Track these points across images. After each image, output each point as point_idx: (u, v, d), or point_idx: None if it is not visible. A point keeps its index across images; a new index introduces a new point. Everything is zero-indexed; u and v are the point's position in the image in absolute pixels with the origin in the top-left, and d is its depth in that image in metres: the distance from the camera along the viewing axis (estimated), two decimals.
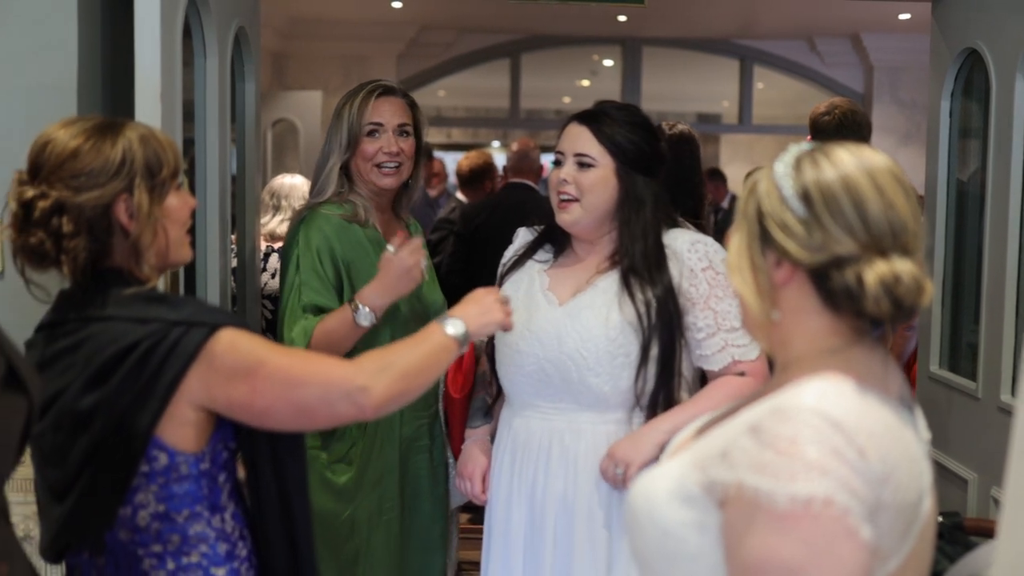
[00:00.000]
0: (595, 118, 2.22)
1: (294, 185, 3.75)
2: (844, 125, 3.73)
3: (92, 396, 1.56)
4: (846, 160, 1.23)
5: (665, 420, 2.10)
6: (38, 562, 2.10)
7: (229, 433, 1.68)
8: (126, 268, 1.64)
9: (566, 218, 2.21)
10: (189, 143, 2.58)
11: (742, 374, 2.14)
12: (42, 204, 1.58)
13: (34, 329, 1.68)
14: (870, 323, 1.24)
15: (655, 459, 1.99)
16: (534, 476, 2.17)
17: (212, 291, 2.51)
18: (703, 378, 2.26)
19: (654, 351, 2.13)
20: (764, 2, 7.94)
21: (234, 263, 2.95)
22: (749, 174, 1.38)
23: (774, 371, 1.33)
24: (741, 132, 10.05)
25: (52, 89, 2.12)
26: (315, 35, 8.68)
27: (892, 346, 3.82)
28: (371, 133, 2.51)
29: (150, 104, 2.14)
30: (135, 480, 1.59)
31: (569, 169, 2.21)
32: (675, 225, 2.26)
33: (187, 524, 1.64)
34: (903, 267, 1.18)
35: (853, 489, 1.09)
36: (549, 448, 2.16)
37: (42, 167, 1.61)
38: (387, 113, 2.53)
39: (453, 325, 1.80)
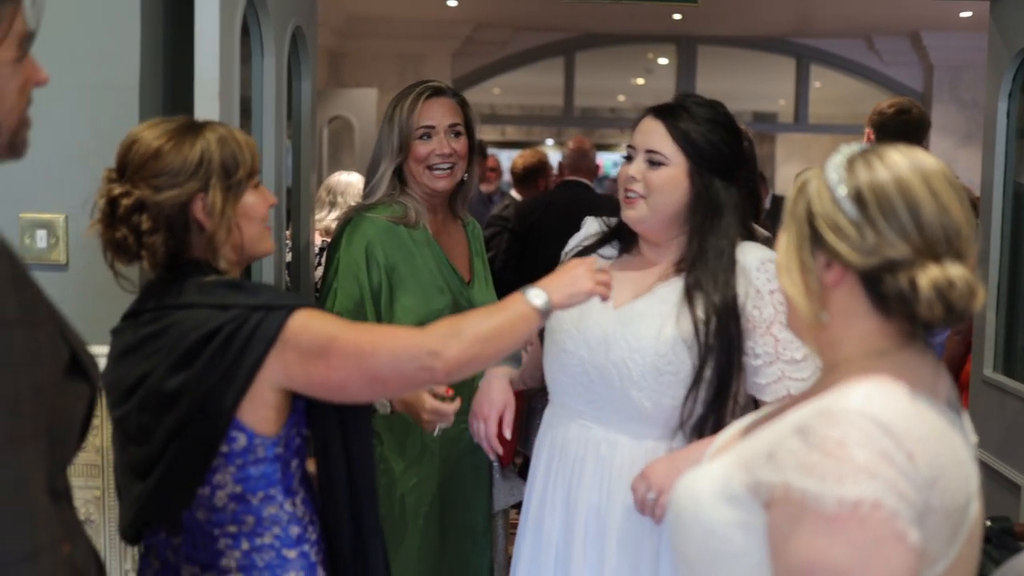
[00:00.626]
0: (672, 113, 2.08)
1: (350, 182, 3.82)
2: (909, 123, 3.71)
3: (177, 378, 1.63)
4: (900, 162, 1.22)
5: (705, 447, 1.85)
6: (99, 543, 2.18)
7: (302, 420, 1.75)
8: (204, 260, 1.72)
9: (631, 214, 2.09)
10: None
11: None
12: (125, 202, 1.67)
13: (120, 317, 1.77)
14: (921, 327, 1.23)
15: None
16: (569, 483, 2.07)
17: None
18: (756, 404, 2.08)
19: (708, 373, 1.98)
20: (821, 0, 7.87)
21: (289, 257, 3.01)
22: (799, 174, 1.38)
23: (820, 372, 1.32)
24: (797, 131, 9.94)
25: (115, 88, 2.19)
26: (372, 33, 8.76)
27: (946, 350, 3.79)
28: (423, 136, 2.51)
29: (208, 103, 2.19)
30: (215, 460, 1.66)
31: (639, 166, 2.07)
32: (750, 237, 2.10)
33: (261, 506, 1.70)
34: (956, 272, 1.17)
35: (901, 492, 1.08)
36: (584, 457, 2.05)
37: (128, 166, 1.70)
38: (438, 115, 2.53)
39: (536, 295, 1.77)
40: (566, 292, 1.80)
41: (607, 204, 5.44)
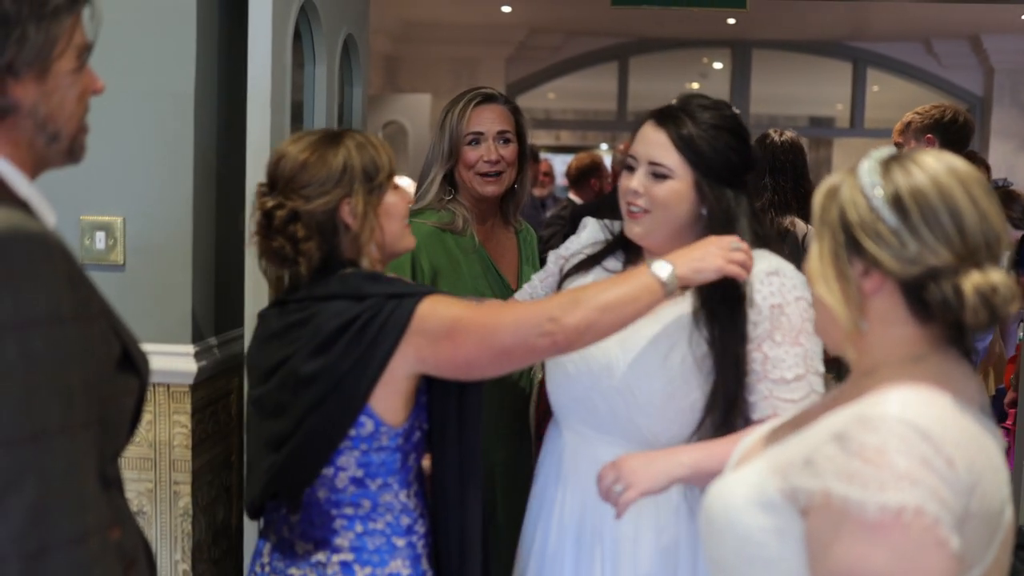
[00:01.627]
0: (675, 119, 1.93)
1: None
2: (969, 129, 3.69)
3: (315, 363, 1.72)
4: (936, 167, 1.20)
5: (687, 454, 1.80)
6: (150, 534, 2.26)
7: (424, 415, 1.83)
8: (351, 260, 1.82)
9: (636, 230, 1.95)
10: None
11: None
12: (280, 213, 1.78)
13: (269, 304, 1.90)
14: (958, 332, 1.22)
15: (659, 491, 1.78)
16: (582, 502, 1.96)
17: None
18: None
19: (719, 399, 1.85)
20: (878, 4, 7.79)
21: None
22: (825, 178, 1.36)
23: (850, 377, 1.31)
24: (853, 136, 9.83)
25: (172, 95, 2.25)
26: (427, 39, 8.86)
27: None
28: (472, 142, 2.52)
29: (260, 110, 2.26)
30: (342, 442, 1.75)
31: (641, 178, 1.93)
32: (763, 244, 1.94)
33: (378, 492, 1.79)
34: (997, 277, 1.16)
35: (942, 499, 1.08)
36: (592, 477, 1.86)
37: (278, 180, 1.81)
38: (487, 121, 2.54)
39: (661, 267, 1.76)
40: (694, 267, 1.78)
41: None
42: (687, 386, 1.86)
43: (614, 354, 1.89)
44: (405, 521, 1.82)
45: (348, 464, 1.77)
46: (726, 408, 1.84)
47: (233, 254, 2.43)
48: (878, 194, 1.20)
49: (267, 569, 1.85)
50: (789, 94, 11.44)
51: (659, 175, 1.91)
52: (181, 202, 2.27)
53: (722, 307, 1.85)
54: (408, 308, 1.73)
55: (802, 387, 1.82)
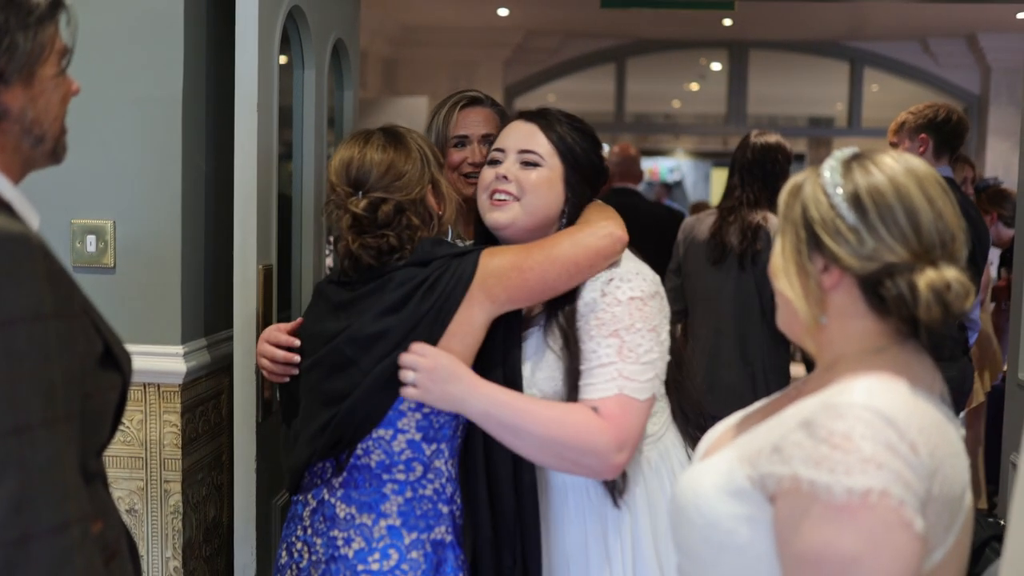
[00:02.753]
0: (545, 117, 2.02)
1: None
2: (963, 128, 3.73)
3: (384, 322, 1.86)
4: (895, 167, 1.25)
5: (488, 396, 1.81)
6: (141, 531, 2.29)
7: None
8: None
9: (500, 216, 1.97)
10: (288, 149, 2.75)
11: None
12: (386, 208, 1.90)
13: (328, 280, 2.01)
14: (915, 327, 1.25)
15: (446, 404, 1.82)
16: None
17: (307, 290, 2.67)
18: None
19: (567, 379, 1.93)
20: (874, 4, 7.82)
21: (330, 262, 3.11)
22: (792, 177, 1.40)
23: (815, 369, 1.35)
24: (851, 136, 9.86)
25: (160, 101, 2.29)
26: (425, 42, 8.90)
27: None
28: (457, 144, 2.52)
29: (248, 114, 2.30)
30: (407, 402, 1.84)
31: (510, 166, 1.98)
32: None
33: (432, 457, 1.88)
34: (952, 275, 1.20)
35: (907, 482, 1.11)
36: None
37: (364, 181, 1.93)
38: (473, 124, 2.54)
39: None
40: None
41: (657, 211, 5.49)
42: (552, 371, 1.92)
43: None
44: (449, 489, 1.91)
45: (408, 426, 1.86)
46: (571, 385, 1.90)
47: (222, 257, 2.47)
48: (838, 192, 1.24)
49: (308, 531, 1.91)
50: (787, 94, 11.47)
51: (530, 163, 1.98)
52: (170, 205, 2.31)
53: (564, 306, 1.93)
54: (474, 258, 1.88)
55: (608, 372, 1.84)
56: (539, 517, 1.94)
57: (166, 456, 2.31)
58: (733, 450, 1.29)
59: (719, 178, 12.83)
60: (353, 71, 3.14)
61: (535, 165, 1.97)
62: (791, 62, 9.67)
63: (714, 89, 10.20)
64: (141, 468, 2.31)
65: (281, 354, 2.02)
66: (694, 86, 11.38)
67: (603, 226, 1.94)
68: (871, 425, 1.14)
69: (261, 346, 2.08)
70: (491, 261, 1.89)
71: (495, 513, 1.92)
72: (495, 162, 2.01)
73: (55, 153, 1.42)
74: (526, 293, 1.89)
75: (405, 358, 1.82)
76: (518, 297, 1.89)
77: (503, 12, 7.90)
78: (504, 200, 1.97)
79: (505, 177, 1.97)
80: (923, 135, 3.72)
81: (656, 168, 13.82)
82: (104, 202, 2.31)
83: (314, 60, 2.74)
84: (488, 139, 2.56)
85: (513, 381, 1.91)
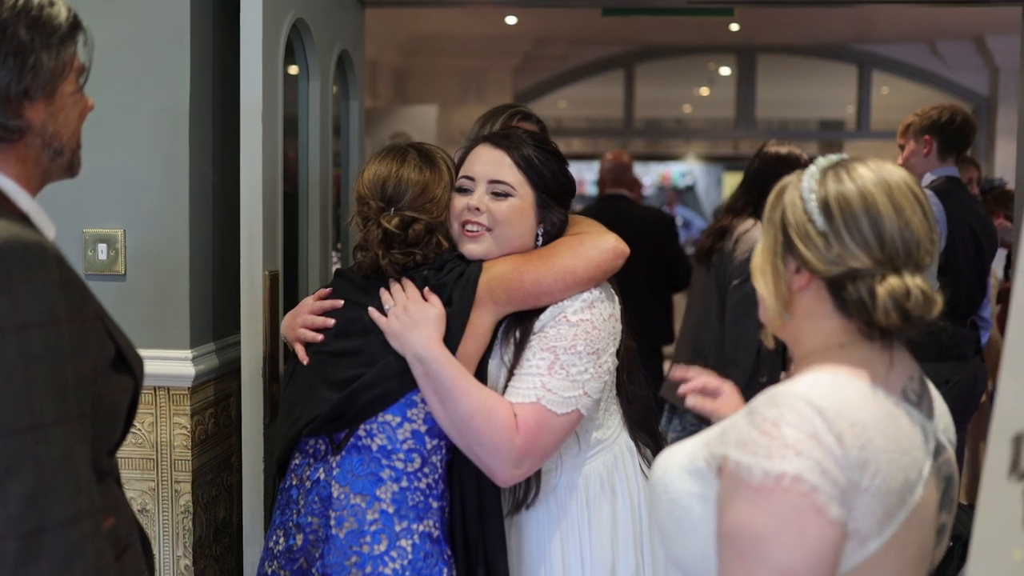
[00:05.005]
0: (511, 141, 2.03)
1: None
2: (969, 128, 3.76)
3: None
4: (866, 176, 1.30)
5: (436, 350, 1.89)
6: (153, 530, 2.36)
7: None
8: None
9: (474, 248, 2.00)
10: (294, 159, 2.82)
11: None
12: (417, 227, 1.99)
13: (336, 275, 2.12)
14: (878, 329, 1.30)
15: (400, 343, 1.91)
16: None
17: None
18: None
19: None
20: (882, 6, 7.83)
21: (337, 268, 3.16)
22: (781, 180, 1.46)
23: (792, 365, 1.41)
24: (860, 139, 9.87)
25: (168, 112, 2.36)
26: (434, 51, 8.97)
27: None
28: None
29: (253, 124, 2.37)
30: (419, 394, 1.91)
31: (481, 196, 2.00)
32: None
33: (431, 452, 1.95)
34: (913, 283, 1.26)
35: (825, 470, 1.17)
36: None
37: (397, 198, 2.00)
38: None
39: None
40: None
41: (649, 215, 5.53)
42: (496, 379, 2.00)
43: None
44: (441, 486, 1.96)
45: (416, 417, 1.93)
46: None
47: (229, 263, 2.54)
48: (812, 198, 1.31)
49: (303, 513, 1.96)
50: (797, 98, 11.49)
51: (500, 193, 1.99)
52: (178, 214, 2.38)
53: (524, 322, 1.98)
54: (478, 264, 1.99)
55: (532, 381, 1.91)
56: (504, 537, 1.99)
57: (176, 457, 2.38)
58: (703, 435, 1.36)
59: (731, 182, 12.84)
60: (359, 81, 3.21)
61: (506, 195, 1.99)
62: (799, 66, 9.69)
63: (724, 94, 10.23)
64: (152, 469, 2.38)
65: (310, 335, 2.04)
66: (704, 91, 11.41)
67: (606, 239, 2.01)
68: (800, 414, 1.20)
69: (302, 319, 2.08)
70: (494, 267, 1.98)
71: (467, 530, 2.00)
72: (465, 190, 2.03)
73: (71, 166, 1.50)
74: (522, 295, 1.95)
75: (394, 290, 1.96)
76: (515, 298, 1.96)
77: (511, 20, 7.96)
78: (476, 232, 2.00)
79: (477, 208, 1.99)
80: (927, 136, 3.76)
81: (668, 173, 13.84)
82: (115, 212, 2.38)
83: (319, 71, 2.81)
84: None
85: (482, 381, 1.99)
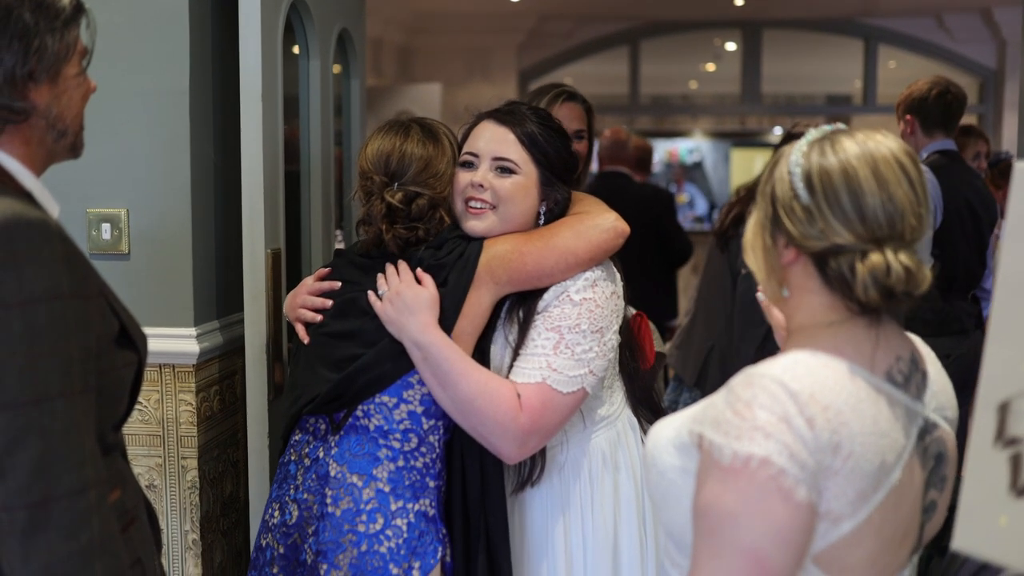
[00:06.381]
0: (515, 117, 2.03)
1: None
2: (953, 104, 3.73)
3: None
4: (850, 148, 1.27)
5: (432, 335, 1.90)
6: (161, 506, 2.40)
7: None
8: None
9: (477, 225, 2.00)
10: (296, 138, 2.84)
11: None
12: (420, 202, 1.99)
13: (349, 248, 2.14)
14: (863, 305, 1.28)
15: (397, 330, 1.92)
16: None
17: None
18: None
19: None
20: None
21: (339, 247, 3.18)
22: (775, 150, 1.45)
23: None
24: (866, 113, 9.84)
25: (169, 93, 2.38)
26: (438, 29, 8.96)
27: None
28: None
29: (253, 104, 2.39)
30: (415, 376, 1.93)
31: (485, 173, 2.00)
32: None
33: (428, 432, 1.97)
34: (895, 259, 1.24)
35: (793, 453, 1.18)
36: None
37: (400, 174, 2.01)
38: (567, 119, 2.53)
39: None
40: None
41: (648, 193, 5.53)
42: (501, 358, 2.01)
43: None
44: (438, 465, 1.99)
45: (413, 398, 1.94)
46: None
47: (231, 242, 2.57)
48: (797, 172, 1.30)
49: (300, 489, 1.99)
50: (803, 73, 11.44)
51: (505, 170, 1.99)
52: (180, 194, 2.40)
53: (528, 300, 1.99)
54: (479, 243, 1.98)
55: (538, 362, 1.92)
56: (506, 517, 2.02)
57: (182, 434, 2.41)
58: (691, 408, 1.37)
59: (739, 158, 12.80)
60: (359, 60, 3.22)
61: (510, 172, 1.99)
62: (805, 40, 9.65)
63: (730, 69, 10.20)
64: (159, 445, 2.41)
65: (309, 315, 2.07)
66: (710, 67, 11.37)
67: (606, 219, 2.01)
68: (773, 396, 1.21)
69: (301, 299, 2.11)
70: (494, 246, 1.98)
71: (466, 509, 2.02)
72: (469, 165, 2.03)
73: (74, 147, 1.53)
74: (524, 276, 1.95)
75: (388, 274, 1.96)
76: (517, 279, 1.96)
77: None
78: (480, 209, 2.00)
79: (481, 185, 1.99)
80: (908, 116, 3.75)
81: (675, 150, 13.81)
82: (118, 191, 2.41)
83: (319, 50, 2.82)
84: (579, 134, 2.60)
85: (481, 361, 2.00)
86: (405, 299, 1.93)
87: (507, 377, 1.96)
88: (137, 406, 2.36)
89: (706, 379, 3.66)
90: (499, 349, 2.02)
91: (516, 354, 1.97)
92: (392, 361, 1.94)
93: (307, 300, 2.08)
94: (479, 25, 8.91)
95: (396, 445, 1.94)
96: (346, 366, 1.95)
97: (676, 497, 1.32)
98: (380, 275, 2.00)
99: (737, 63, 9.88)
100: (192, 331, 2.40)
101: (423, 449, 1.96)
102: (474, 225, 2.01)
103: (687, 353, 3.77)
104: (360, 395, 1.95)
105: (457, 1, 8.29)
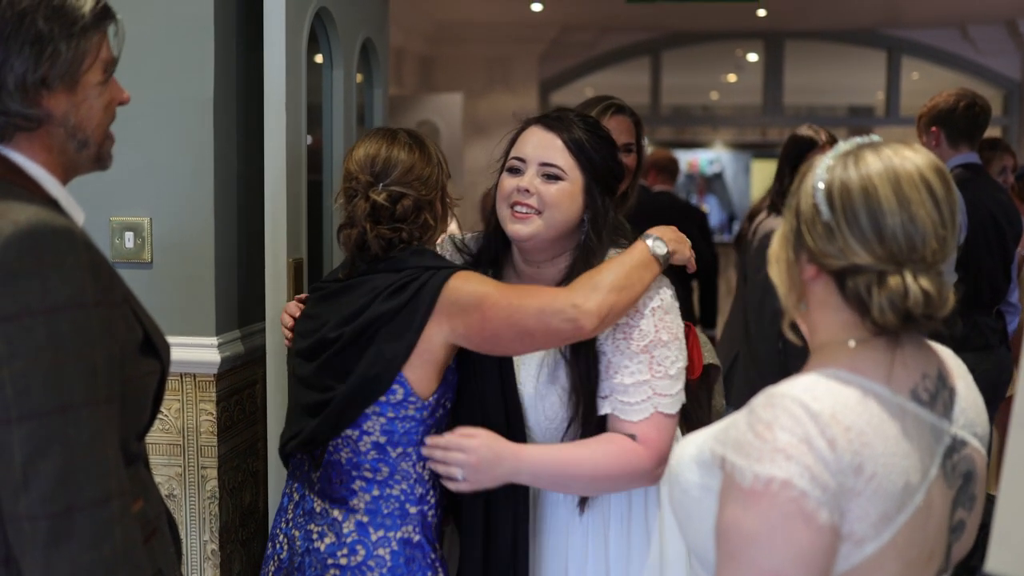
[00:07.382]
0: (564, 124, 2.00)
1: None
2: (979, 116, 3.69)
3: (339, 331, 1.90)
4: (873, 165, 1.23)
5: (530, 460, 1.87)
6: (180, 515, 2.39)
7: (451, 394, 1.97)
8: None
9: (523, 229, 1.97)
10: (319, 147, 2.84)
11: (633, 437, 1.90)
12: (405, 202, 1.95)
13: (324, 279, 2.08)
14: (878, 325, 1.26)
15: (498, 483, 1.88)
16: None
17: None
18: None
19: (577, 393, 1.96)
20: None
21: None
22: (805, 163, 1.41)
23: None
24: (888, 125, 9.78)
25: (192, 101, 2.38)
26: (460, 38, 8.97)
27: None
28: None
29: (276, 113, 2.39)
30: (371, 407, 1.88)
31: (531, 178, 1.97)
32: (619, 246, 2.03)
33: (397, 460, 1.92)
34: (914, 282, 1.21)
35: (815, 475, 1.16)
36: None
37: (384, 175, 1.96)
38: (616, 132, 2.47)
39: (656, 244, 1.93)
40: (675, 247, 1.97)
41: (676, 204, 5.52)
42: (554, 406, 1.96)
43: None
44: (419, 491, 1.94)
45: (373, 429, 1.90)
46: (586, 399, 1.93)
47: (254, 251, 2.56)
48: (820, 187, 1.26)
49: (290, 524, 2.00)
50: (825, 84, 11.40)
51: (551, 176, 1.96)
52: (204, 202, 2.40)
53: None
54: (442, 278, 1.87)
55: (642, 392, 1.90)
56: (528, 544, 2.00)
57: (203, 443, 2.41)
58: (715, 426, 1.35)
59: (759, 170, 12.76)
60: (382, 69, 3.22)
61: (557, 179, 1.97)
62: (827, 51, 9.60)
63: (752, 80, 10.16)
64: (179, 455, 2.41)
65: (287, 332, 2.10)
66: (732, 77, 11.34)
67: (577, 308, 1.83)
68: (794, 417, 1.18)
69: (282, 318, 2.16)
70: (462, 286, 1.87)
71: (488, 538, 1.99)
72: (516, 171, 2.00)
73: (99, 158, 1.51)
74: (480, 341, 1.87)
75: (451, 455, 1.86)
76: (475, 342, 1.88)
77: (537, 7, 7.94)
78: (526, 214, 1.97)
79: (527, 191, 1.96)
80: (933, 128, 3.71)
81: (696, 161, 13.78)
82: (141, 200, 2.41)
83: (343, 59, 2.83)
84: (627, 147, 2.56)
85: (507, 382, 1.97)
86: (484, 463, 1.86)
87: (585, 399, 1.93)
88: (158, 414, 2.35)
89: (731, 388, 3.63)
90: (533, 370, 1.99)
91: (591, 374, 1.92)
92: (347, 406, 1.90)
93: (285, 321, 2.12)
94: (501, 35, 8.92)
95: (368, 475, 1.92)
96: (315, 410, 1.93)
97: (699, 515, 1.30)
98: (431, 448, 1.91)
99: (759, 74, 9.84)
100: (214, 340, 2.40)
101: (397, 477, 1.92)
102: (519, 229, 1.97)
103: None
104: (331, 434, 1.93)
105: (479, 11, 8.30)
